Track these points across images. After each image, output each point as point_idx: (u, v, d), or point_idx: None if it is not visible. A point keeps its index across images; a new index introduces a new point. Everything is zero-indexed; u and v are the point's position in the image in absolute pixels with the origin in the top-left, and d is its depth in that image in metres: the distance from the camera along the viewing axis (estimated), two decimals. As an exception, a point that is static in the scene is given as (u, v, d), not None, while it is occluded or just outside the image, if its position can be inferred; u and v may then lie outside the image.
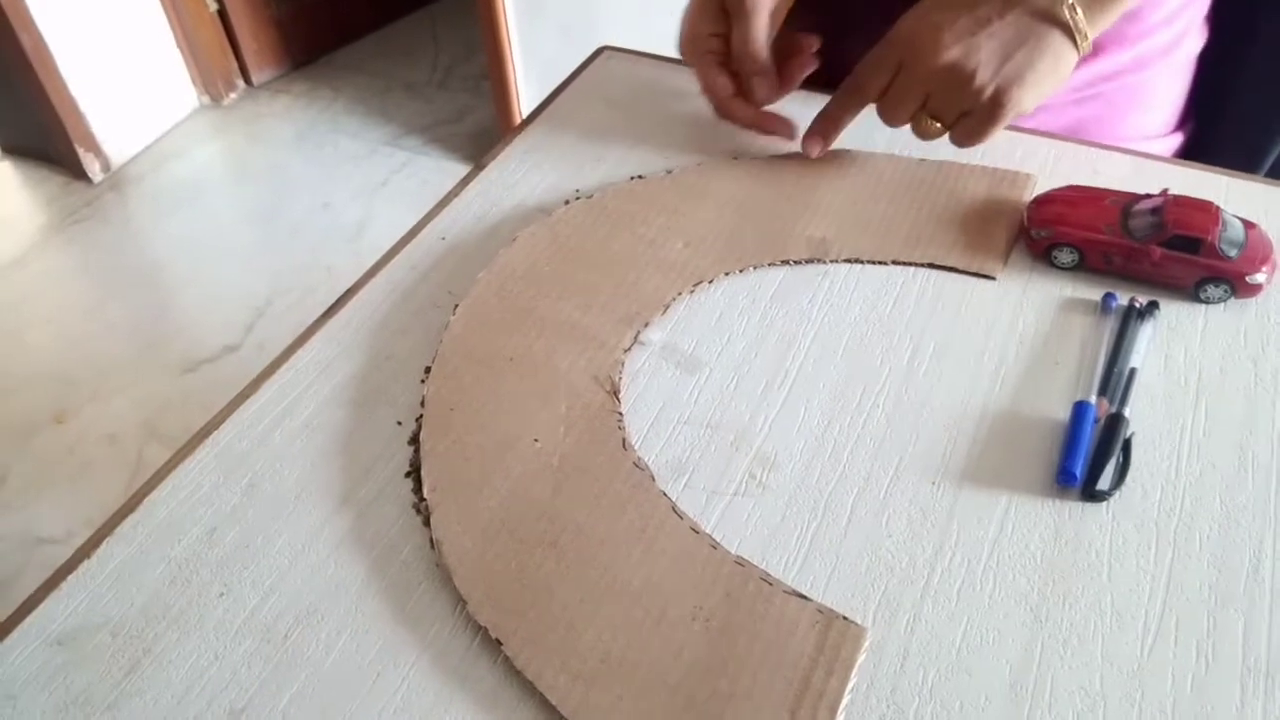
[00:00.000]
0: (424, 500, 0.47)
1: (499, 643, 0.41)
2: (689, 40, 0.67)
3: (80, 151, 2.32)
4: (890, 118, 0.61)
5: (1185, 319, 0.54)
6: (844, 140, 0.68)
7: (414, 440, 0.50)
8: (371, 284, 0.60)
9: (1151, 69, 0.70)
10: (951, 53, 0.56)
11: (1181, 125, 0.75)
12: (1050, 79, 0.57)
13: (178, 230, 2.28)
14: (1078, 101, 0.70)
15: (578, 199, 0.64)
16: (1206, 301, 0.55)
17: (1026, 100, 0.57)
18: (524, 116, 0.77)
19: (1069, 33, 0.55)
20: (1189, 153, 0.76)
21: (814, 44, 0.68)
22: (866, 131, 0.68)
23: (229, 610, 0.44)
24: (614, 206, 0.63)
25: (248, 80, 2.69)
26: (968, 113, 0.58)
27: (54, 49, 2.18)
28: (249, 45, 2.62)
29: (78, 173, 2.37)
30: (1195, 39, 0.71)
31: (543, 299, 0.57)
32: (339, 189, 2.35)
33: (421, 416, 0.51)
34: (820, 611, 0.42)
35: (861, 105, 0.62)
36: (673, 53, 0.80)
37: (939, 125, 0.59)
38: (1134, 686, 0.40)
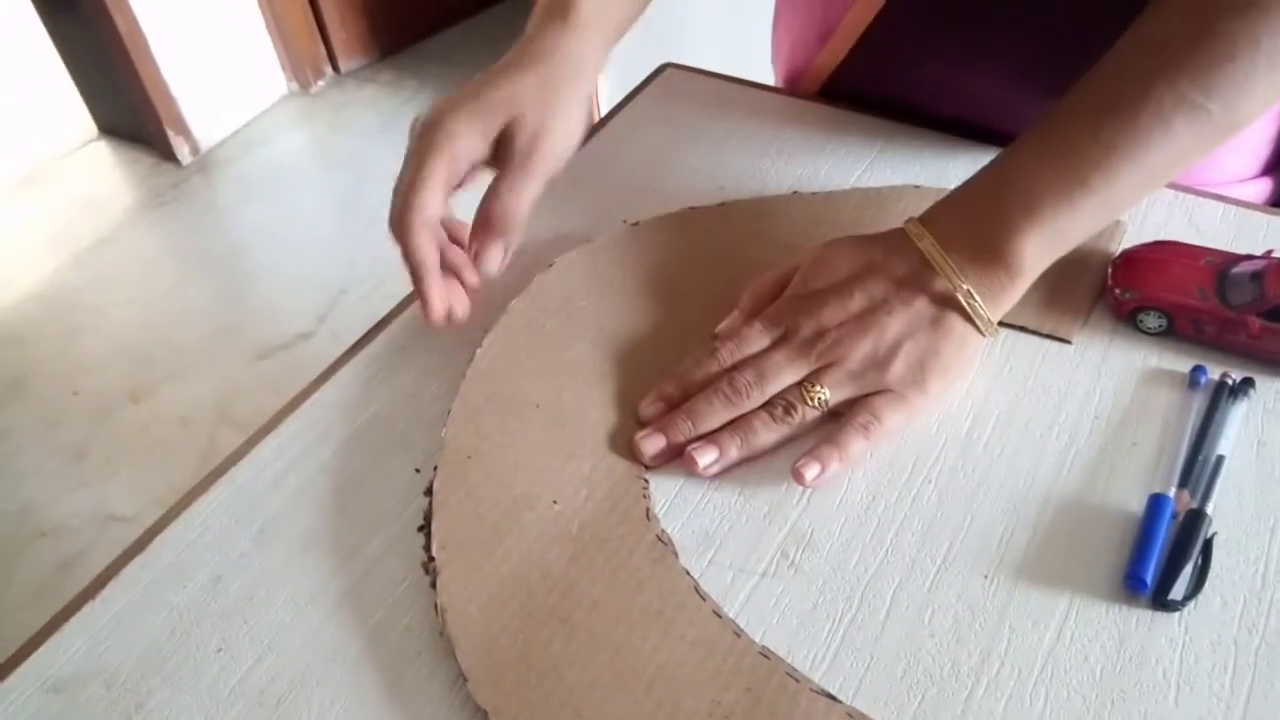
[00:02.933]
0: (433, 559, 0.44)
1: (497, 729, 0.39)
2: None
3: (170, 134, 2.37)
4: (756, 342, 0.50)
5: (1285, 401, 0.49)
6: (917, 176, 0.63)
7: (430, 490, 0.48)
8: (404, 316, 0.57)
9: None
10: (855, 298, 0.49)
11: (1271, 170, 0.69)
12: (957, 364, 0.49)
13: (260, 215, 2.32)
14: None
15: (624, 227, 0.61)
16: (1311, 381, 0.49)
17: (935, 385, 0.49)
18: (602, 115, 0.74)
19: (969, 319, 0.49)
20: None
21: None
22: (939, 169, 0.64)
23: (225, 668, 0.42)
24: (660, 239, 0.60)
25: (336, 68, 2.71)
26: (878, 392, 0.49)
27: (148, 33, 2.22)
28: (338, 34, 2.64)
29: (167, 154, 2.42)
30: None
31: (577, 340, 0.54)
32: (417, 180, 2.35)
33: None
34: (850, 716, 0.38)
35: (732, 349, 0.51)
36: (740, 70, 0.76)
37: (825, 395, 0.48)
38: (1199, 837, 0.35)
